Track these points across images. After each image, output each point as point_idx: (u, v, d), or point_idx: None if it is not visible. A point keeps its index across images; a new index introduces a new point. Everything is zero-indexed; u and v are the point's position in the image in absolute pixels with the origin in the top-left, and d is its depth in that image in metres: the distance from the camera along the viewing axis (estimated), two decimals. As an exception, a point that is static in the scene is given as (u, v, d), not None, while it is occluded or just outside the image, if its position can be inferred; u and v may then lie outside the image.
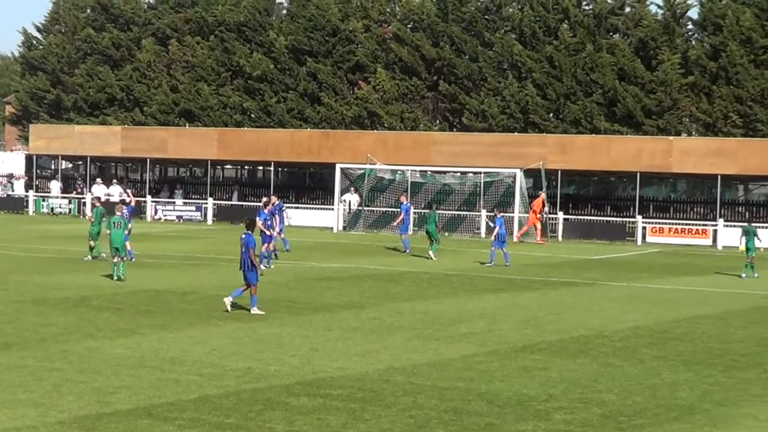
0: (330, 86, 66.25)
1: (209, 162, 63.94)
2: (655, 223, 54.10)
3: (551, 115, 61.70)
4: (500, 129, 60.84)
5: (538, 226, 50.44)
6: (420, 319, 23.64)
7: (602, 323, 23.70)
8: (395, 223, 43.17)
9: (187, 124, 67.62)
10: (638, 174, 54.53)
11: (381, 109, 64.65)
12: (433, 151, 57.47)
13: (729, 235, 49.74)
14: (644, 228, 52.63)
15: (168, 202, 63.57)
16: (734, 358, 19.58)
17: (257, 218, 31.00)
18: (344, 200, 57.38)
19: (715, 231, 51.69)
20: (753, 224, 38.66)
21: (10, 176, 72.76)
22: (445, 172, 56.48)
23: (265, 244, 33.73)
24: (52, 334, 20.20)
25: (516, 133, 59.43)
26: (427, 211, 42.58)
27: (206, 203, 61.40)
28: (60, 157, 69.30)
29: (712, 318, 25.08)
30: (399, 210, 44.37)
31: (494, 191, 53.97)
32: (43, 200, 64.92)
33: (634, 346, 20.56)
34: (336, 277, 32.24)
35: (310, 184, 70.63)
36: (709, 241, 51.54)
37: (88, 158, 65.76)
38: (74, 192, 66.65)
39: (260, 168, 71.09)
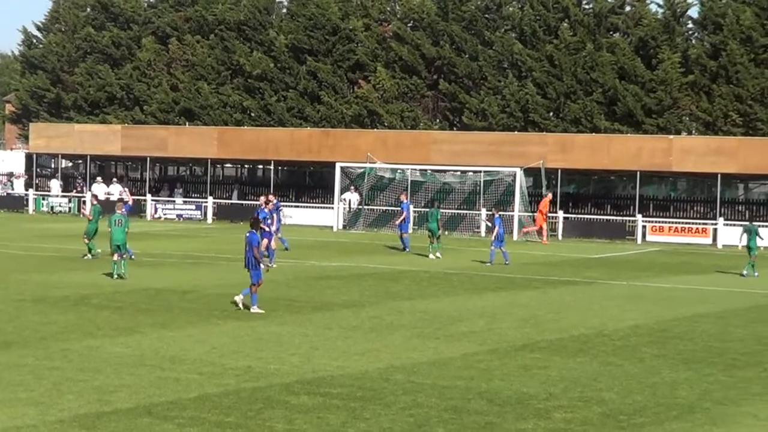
0: (330, 85, 66.25)
1: (209, 161, 63.96)
2: (655, 221, 54.10)
3: (551, 114, 61.70)
4: (500, 128, 60.84)
5: (545, 227, 50.50)
6: (420, 317, 23.65)
7: (602, 322, 23.70)
8: (397, 221, 43.13)
9: (187, 123, 67.62)
10: (638, 173, 54.54)
11: (381, 108, 64.65)
12: (433, 149, 57.48)
13: (729, 234, 49.76)
14: (644, 227, 52.62)
15: (168, 201, 63.58)
16: (734, 356, 19.58)
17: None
18: (344, 199, 57.39)
19: (715, 230, 51.68)
20: (754, 223, 38.60)
21: (10, 175, 72.74)
22: (445, 171, 56.49)
23: (265, 240, 33.71)
24: (52, 332, 20.21)
25: (516, 132, 59.43)
26: (429, 209, 42.52)
27: (206, 202, 61.40)
28: (60, 155, 69.31)
29: (712, 317, 25.08)
30: (400, 209, 44.33)
31: (494, 190, 53.98)
32: (43, 199, 64.93)
33: (634, 345, 20.56)
34: (336, 275, 32.25)
35: (310, 182, 70.63)
36: (709, 240, 51.54)
37: (88, 157, 65.77)
38: (74, 191, 66.65)
39: (260, 167, 71.11)
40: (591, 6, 62.43)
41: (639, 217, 53.29)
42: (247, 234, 24.05)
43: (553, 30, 62.11)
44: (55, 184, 67.24)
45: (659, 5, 61.52)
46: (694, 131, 60.43)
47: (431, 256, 39.38)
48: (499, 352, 19.34)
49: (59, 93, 73.47)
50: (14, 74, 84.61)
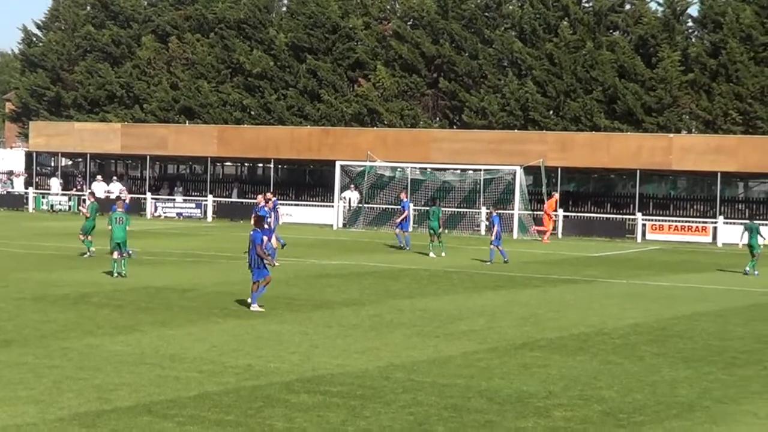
0: (330, 83, 66.25)
1: (209, 159, 63.94)
2: (655, 220, 54.10)
3: (551, 112, 61.70)
4: (500, 126, 60.84)
5: (551, 227, 50.57)
6: (420, 316, 23.65)
7: (602, 320, 23.70)
8: (398, 219, 43.12)
9: (187, 122, 67.61)
10: (638, 171, 54.53)
11: (381, 107, 64.65)
12: (433, 148, 57.47)
13: (729, 233, 49.77)
14: (644, 225, 52.61)
15: (168, 199, 63.58)
16: (734, 355, 19.59)
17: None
18: (344, 197, 57.39)
19: (714, 228, 51.67)
20: (755, 221, 38.57)
21: (10, 173, 72.75)
22: (445, 170, 56.48)
23: (265, 237, 33.68)
24: (52, 331, 20.21)
25: (516, 131, 59.42)
26: (430, 207, 42.47)
27: (206, 200, 61.41)
28: (60, 154, 69.31)
29: (711, 315, 25.08)
30: (400, 207, 44.26)
31: (494, 188, 53.98)
32: (43, 197, 64.94)
33: (633, 343, 20.57)
34: (336, 274, 32.24)
35: (310, 181, 70.63)
36: (708, 239, 51.54)
37: (88, 155, 65.77)
38: (74, 189, 66.64)
39: (260, 165, 71.08)
40: (591, 4, 62.43)
41: (639, 215, 53.28)
42: (251, 233, 24.08)
43: (553, 28, 62.11)
44: (55, 183, 67.24)
45: (659, 4, 61.66)
46: (694, 130, 60.42)
47: (431, 254, 39.38)
48: (499, 351, 19.35)
49: (59, 91, 73.47)
50: (14, 72, 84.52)
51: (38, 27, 77.89)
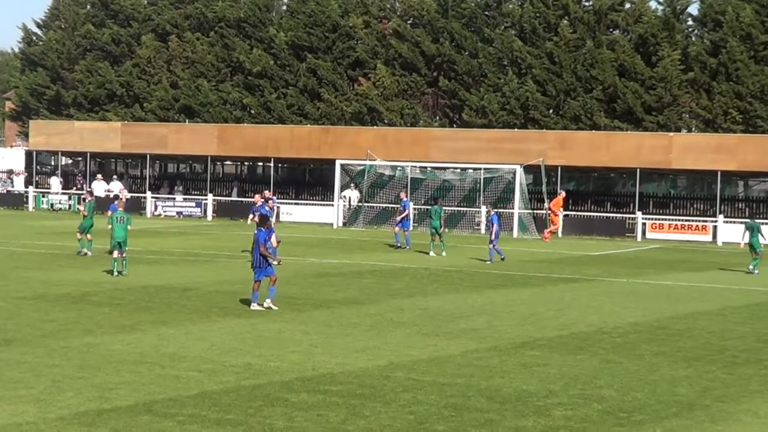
0: (330, 82, 66.24)
1: (209, 158, 63.94)
2: (655, 219, 54.09)
3: (551, 111, 61.69)
4: (500, 125, 60.84)
5: (550, 226, 50.59)
6: (420, 315, 23.66)
7: (602, 319, 23.70)
8: (399, 218, 43.08)
9: (186, 120, 67.60)
10: (638, 170, 54.52)
11: (381, 105, 64.64)
12: (432, 147, 57.48)
13: (729, 231, 49.76)
14: (644, 224, 52.60)
15: (168, 198, 63.58)
16: (734, 354, 19.59)
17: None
18: (344, 196, 57.38)
19: (714, 227, 51.66)
20: (756, 220, 38.56)
21: (10, 172, 72.76)
22: (445, 168, 56.47)
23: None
24: (52, 330, 20.21)
25: (516, 129, 59.42)
26: (432, 206, 42.43)
27: (206, 199, 61.40)
28: (60, 153, 69.32)
29: (711, 314, 25.09)
30: (401, 206, 44.21)
31: (494, 187, 53.96)
32: (43, 196, 64.93)
33: (633, 342, 20.57)
34: (336, 273, 32.25)
35: (309, 180, 70.64)
36: (708, 237, 51.53)
37: (88, 154, 65.78)
38: (74, 188, 66.65)
39: (260, 164, 71.07)
40: (591, 3, 62.40)
41: (639, 214, 53.27)
42: (255, 232, 24.08)
43: (553, 27, 62.10)
44: (55, 182, 67.23)
45: (659, 2, 61.54)
46: (693, 128, 60.43)
47: (431, 253, 39.37)
48: (499, 350, 19.35)
49: (59, 90, 73.47)
50: (14, 71, 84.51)
51: (38, 26, 77.92)
